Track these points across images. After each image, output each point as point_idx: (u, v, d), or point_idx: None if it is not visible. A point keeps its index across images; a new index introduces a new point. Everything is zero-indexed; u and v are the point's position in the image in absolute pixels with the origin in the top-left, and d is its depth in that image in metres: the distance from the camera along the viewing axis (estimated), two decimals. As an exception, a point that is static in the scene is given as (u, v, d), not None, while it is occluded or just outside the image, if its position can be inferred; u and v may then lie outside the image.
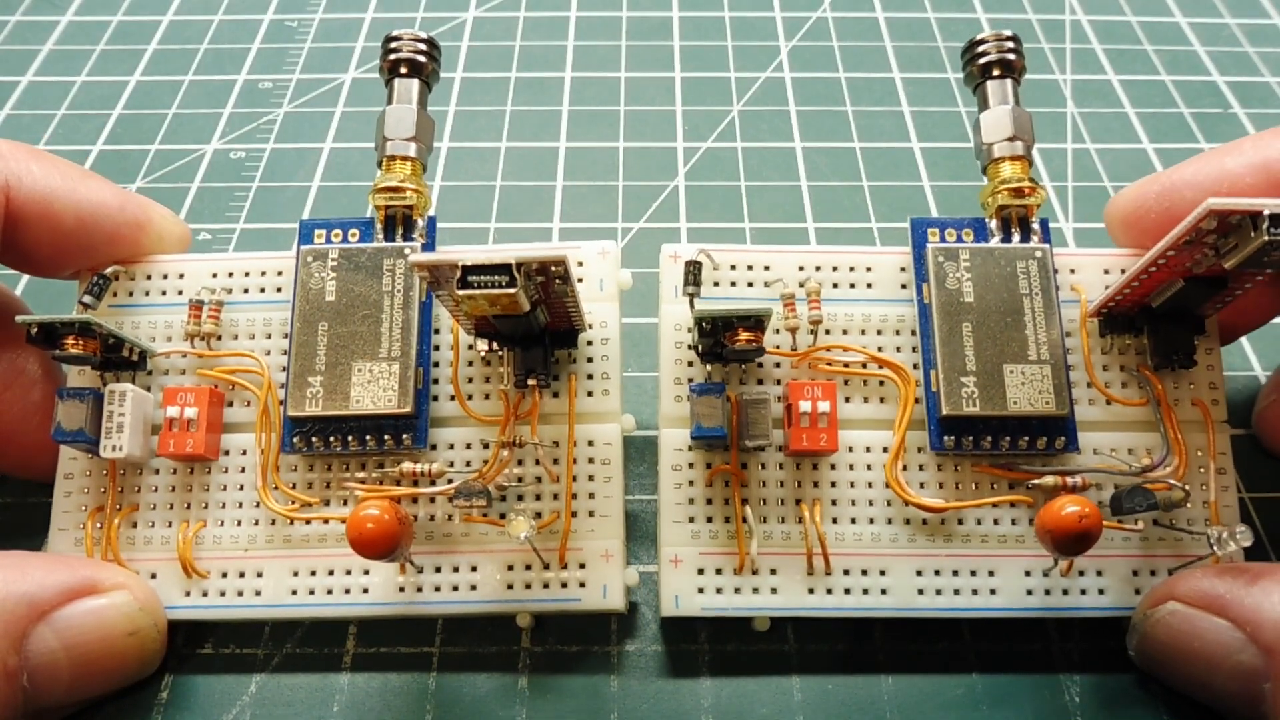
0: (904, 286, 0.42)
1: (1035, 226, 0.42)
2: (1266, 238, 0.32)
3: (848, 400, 0.41)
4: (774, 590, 0.39)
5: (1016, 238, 0.42)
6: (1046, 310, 0.40)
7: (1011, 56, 0.42)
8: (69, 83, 0.66)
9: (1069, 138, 0.63)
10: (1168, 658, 0.37)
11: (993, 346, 0.40)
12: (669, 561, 0.39)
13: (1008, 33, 0.43)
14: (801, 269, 0.42)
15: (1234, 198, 0.32)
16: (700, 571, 0.39)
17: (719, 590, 0.39)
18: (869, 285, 0.42)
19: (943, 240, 0.42)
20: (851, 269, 0.42)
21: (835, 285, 0.42)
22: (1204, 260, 0.36)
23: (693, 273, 0.41)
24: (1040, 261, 0.41)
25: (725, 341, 0.37)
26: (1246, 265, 0.34)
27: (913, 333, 0.41)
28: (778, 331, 0.41)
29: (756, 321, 0.37)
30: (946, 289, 0.41)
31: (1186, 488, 0.39)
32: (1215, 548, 0.37)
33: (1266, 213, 0.32)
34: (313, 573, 0.39)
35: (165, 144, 0.62)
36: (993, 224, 0.42)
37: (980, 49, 0.43)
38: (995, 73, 0.43)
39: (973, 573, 0.39)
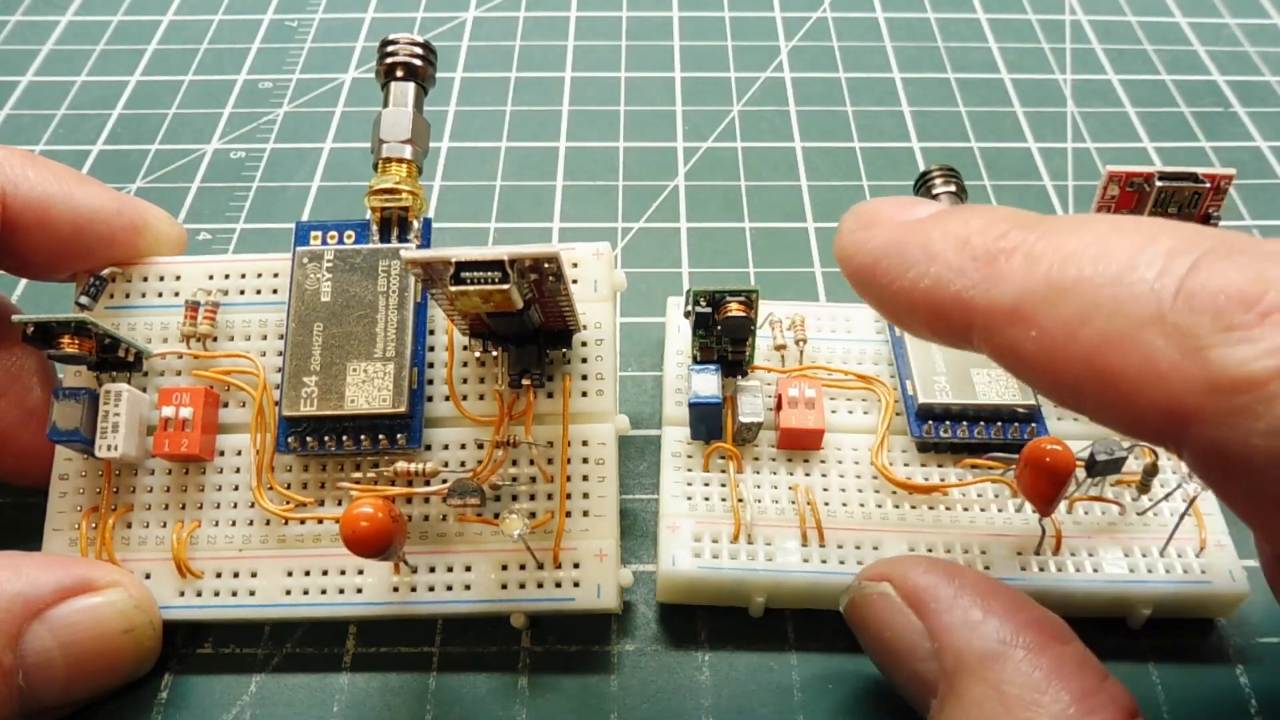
0: (879, 333, 0.46)
1: None
2: None
3: (834, 413, 0.43)
4: (769, 559, 0.40)
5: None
6: None
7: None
8: (69, 83, 0.66)
9: (1069, 137, 0.63)
10: (862, 633, 0.36)
11: (959, 359, 0.43)
12: (667, 528, 0.40)
13: (946, 166, 0.47)
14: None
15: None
16: (697, 539, 0.40)
17: (715, 556, 0.40)
18: (848, 331, 0.46)
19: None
20: (833, 318, 0.46)
21: (818, 331, 0.46)
22: None
23: (691, 295, 0.42)
24: None
25: (716, 318, 0.40)
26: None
27: (889, 363, 0.45)
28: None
29: (747, 297, 0.40)
30: None
31: (1154, 449, 0.40)
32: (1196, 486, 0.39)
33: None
34: (307, 573, 0.39)
35: (165, 144, 0.62)
36: None
37: (930, 178, 0.47)
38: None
39: (965, 550, 0.40)
